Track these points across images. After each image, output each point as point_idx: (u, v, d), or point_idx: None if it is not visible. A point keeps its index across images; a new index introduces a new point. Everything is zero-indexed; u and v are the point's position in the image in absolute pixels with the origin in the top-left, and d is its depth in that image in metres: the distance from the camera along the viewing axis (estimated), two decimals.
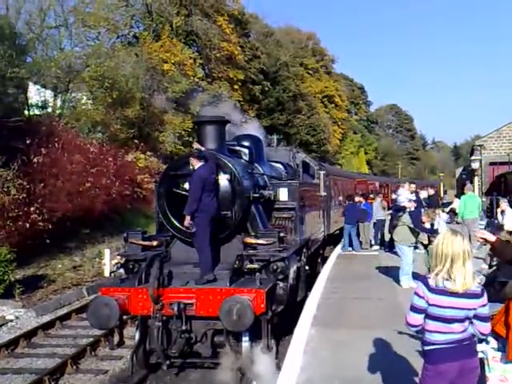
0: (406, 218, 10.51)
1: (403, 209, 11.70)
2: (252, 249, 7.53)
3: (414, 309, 3.41)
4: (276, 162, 11.12)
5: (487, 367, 4.28)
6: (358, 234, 16.21)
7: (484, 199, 25.38)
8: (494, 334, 4.30)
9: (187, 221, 7.19)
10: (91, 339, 9.17)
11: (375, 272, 12.00)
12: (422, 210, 11.00)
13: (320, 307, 8.77)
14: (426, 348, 3.40)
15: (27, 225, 14.10)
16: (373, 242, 16.77)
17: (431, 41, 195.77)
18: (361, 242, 16.52)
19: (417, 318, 3.41)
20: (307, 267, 10.13)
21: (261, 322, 6.91)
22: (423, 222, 10.34)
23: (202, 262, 7.25)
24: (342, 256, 15.08)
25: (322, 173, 13.34)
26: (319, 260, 13.89)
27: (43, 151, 15.79)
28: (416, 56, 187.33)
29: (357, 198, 16.73)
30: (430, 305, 3.34)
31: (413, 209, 11.30)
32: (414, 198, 13.70)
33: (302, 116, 50.58)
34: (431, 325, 3.36)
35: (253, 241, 7.54)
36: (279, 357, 7.19)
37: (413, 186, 15.12)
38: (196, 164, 7.36)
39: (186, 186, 7.59)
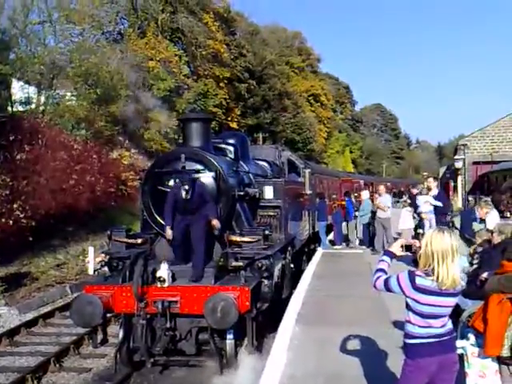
0: (457, 221, 8.97)
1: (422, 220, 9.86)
2: (237, 246, 7.53)
3: (386, 284, 3.52)
4: (261, 160, 11.13)
5: (466, 363, 4.32)
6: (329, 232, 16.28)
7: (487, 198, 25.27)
8: (474, 330, 4.37)
9: (218, 223, 7.24)
10: (75, 337, 9.11)
11: (360, 270, 12.05)
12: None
13: (305, 305, 8.80)
14: (408, 341, 3.44)
15: (10, 222, 13.94)
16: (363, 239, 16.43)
17: (415, 41, 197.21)
18: (347, 240, 16.63)
19: (382, 288, 3.57)
20: (292, 265, 10.16)
21: (245, 320, 6.92)
22: (481, 219, 8.38)
23: (195, 260, 7.26)
24: (327, 254, 15.14)
25: (307, 171, 13.39)
26: (304, 258, 13.94)
27: (26, 148, 15.64)
28: (400, 56, 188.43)
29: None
30: (407, 297, 3.40)
31: (428, 222, 9.67)
32: (438, 202, 10.69)
33: (288, 114, 50.73)
34: (412, 317, 3.40)
35: (238, 238, 7.54)
36: (263, 354, 7.20)
37: (431, 182, 11.76)
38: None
39: (171, 183, 7.60)
